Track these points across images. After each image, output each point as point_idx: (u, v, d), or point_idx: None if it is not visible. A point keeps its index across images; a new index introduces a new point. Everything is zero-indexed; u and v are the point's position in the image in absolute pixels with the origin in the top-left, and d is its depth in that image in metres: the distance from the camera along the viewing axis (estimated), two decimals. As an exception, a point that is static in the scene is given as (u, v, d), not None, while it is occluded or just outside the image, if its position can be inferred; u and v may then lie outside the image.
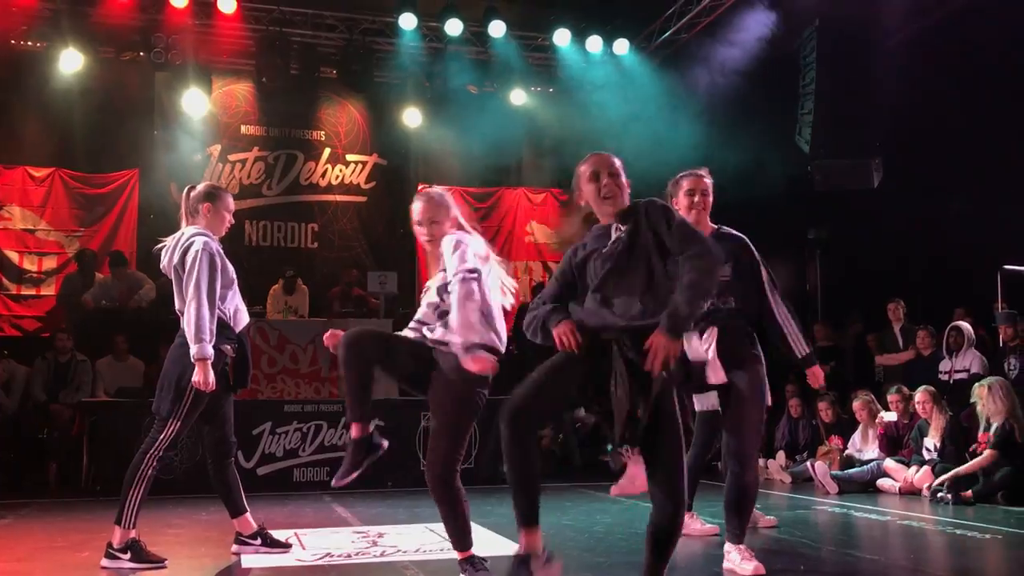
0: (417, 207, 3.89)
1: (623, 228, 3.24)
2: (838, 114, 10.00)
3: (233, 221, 4.79)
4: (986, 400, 6.89)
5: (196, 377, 4.32)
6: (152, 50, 10.61)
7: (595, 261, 3.26)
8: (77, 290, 10.08)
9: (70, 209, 11.05)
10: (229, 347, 4.52)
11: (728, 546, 4.33)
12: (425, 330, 3.82)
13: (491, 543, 4.86)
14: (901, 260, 10.58)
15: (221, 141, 11.79)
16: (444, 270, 3.77)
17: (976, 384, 7.14)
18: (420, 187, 12.29)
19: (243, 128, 11.94)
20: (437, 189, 4.07)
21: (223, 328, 4.49)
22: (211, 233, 4.61)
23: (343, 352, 3.62)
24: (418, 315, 3.90)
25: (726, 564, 4.29)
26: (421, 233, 3.90)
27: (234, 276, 4.64)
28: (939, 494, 6.71)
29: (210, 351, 4.35)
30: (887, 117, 9.98)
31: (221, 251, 4.59)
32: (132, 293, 9.94)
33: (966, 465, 6.78)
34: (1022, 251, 9.14)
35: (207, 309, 4.38)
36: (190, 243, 4.49)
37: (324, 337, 3.83)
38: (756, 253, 4.46)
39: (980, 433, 6.98)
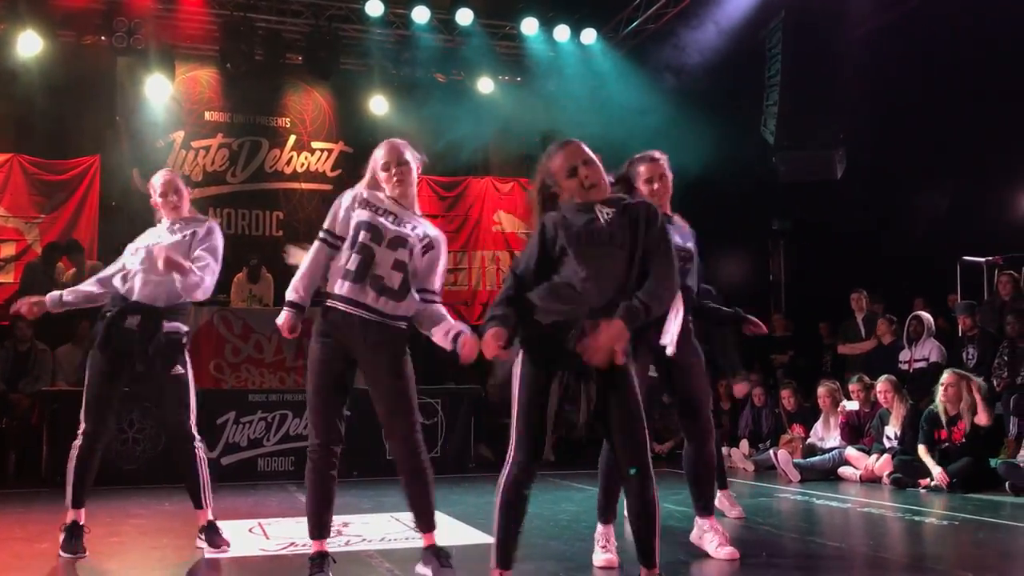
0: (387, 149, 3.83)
1: (610, 210, 3.23)
2: (803, 106, 10.08)
3: (162, 198, 4.57)
4: (963, 393, 6.90)
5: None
6: (114, 34, 10.38)
7: (580, 232, 3.19)
8: (39, 279, 9.89)
9: (29, 196, 10.82)
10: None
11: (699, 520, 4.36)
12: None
13: (458, 532, 4.87)
14: (863, 251, 10.71)
15: (184, 127, 11.62)
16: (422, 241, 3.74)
17: (947, 372, 7.12)
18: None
19: (207, 114, 11.78)
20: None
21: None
22: (159, 219, 4.65)
23: None
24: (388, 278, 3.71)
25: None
26: (394, 175, 3.79)
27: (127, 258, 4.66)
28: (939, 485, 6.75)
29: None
30: (851, 109, 10.08)
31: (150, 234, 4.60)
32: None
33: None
34: (981, 243, 9.30)
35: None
36: None
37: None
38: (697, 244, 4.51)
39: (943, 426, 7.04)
